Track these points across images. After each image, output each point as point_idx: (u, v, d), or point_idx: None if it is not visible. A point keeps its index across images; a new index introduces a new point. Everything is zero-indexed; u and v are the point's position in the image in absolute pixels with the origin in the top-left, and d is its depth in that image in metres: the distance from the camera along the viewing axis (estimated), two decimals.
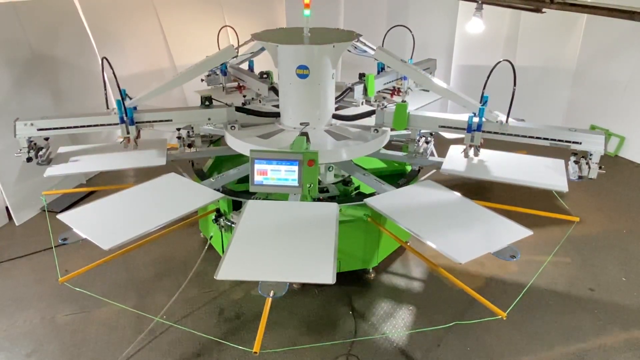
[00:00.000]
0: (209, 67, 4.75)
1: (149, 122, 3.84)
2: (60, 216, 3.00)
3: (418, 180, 4.03)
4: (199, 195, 3.34)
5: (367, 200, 3.34)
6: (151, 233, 2.95)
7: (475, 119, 3.52)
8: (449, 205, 3.28)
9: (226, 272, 2.50)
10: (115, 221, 3.02)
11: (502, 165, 3.72)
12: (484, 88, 3.45)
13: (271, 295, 2.40)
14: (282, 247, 2.75)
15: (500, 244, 2.79)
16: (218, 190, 3.50)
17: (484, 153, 3.87)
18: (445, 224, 3.04)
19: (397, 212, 3.14)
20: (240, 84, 5.06)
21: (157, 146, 4.06)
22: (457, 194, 3.38)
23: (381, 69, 4.84)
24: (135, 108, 3.78)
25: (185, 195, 3.35)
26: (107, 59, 3.49)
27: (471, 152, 3.73)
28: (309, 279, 2.64)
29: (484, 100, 3.50)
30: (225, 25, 5.35)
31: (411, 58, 4.79)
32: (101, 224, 2.98)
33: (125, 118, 3.69)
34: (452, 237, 2.87)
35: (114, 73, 3.53)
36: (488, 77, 3.33)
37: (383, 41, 4.95)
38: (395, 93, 4.93)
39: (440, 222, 3.06)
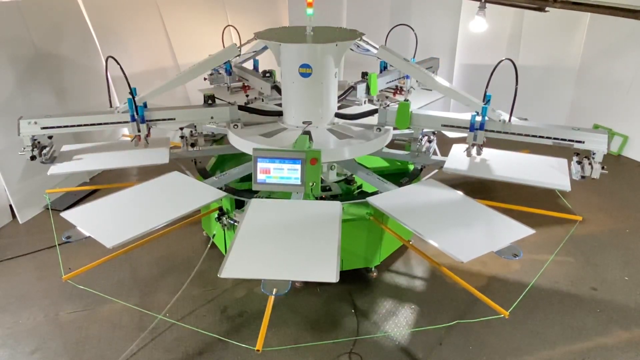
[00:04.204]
0: (212, 66, 4.76)
1: (160, 120, 3.85)
2: (64, 214, 3.01)
3: (420, 179, 4.03)
4: (202, 194, 3.35)
5: (370, 199, 3.34)
6: (154, 231, 2.97)
7: (478, 118, 3.51)
8: (452, 204, 3.28)
9: (229, 270, 2.52)
10: (118, 219, 3.03)
11: (504, 165, 3.72)
12: (486, 87, 3.45)
13: (274, 293, 2.41)
14: (285, 245, 2.75)
15: (503, 242, 2.79)
16: (221, 188, 3.51)
17: (487, 152, 3.87)
18: (447, 223, 3.04)
19: (399, 210, 3.14)
20: (245, 84, 5.04)
21: (160, 145, 4.07)
22: (460, 193, 3.38)
23: (384, 67, 4.83)
24: (145, 105, 3.78)
25: (189, 194, 3.35)
26: (114, 58, 3.49)
27: (474, 151, 3.73)
28: (312, 277, 2.64)
29: (486, 99, 3.50)
30: (229, 25, 5.36)
31: (414, 57, 4.79)
32: (105, 222, 2.99)
33: (136, 116, 3.70)
34: (454, 236, 2.87)
35: (123, 72, 3.53)
36: (490, 76, 3.32)
37: (386, 40, 4.95)
38: (398, 92, 4.93)
39: (443, 221, 3.06)
